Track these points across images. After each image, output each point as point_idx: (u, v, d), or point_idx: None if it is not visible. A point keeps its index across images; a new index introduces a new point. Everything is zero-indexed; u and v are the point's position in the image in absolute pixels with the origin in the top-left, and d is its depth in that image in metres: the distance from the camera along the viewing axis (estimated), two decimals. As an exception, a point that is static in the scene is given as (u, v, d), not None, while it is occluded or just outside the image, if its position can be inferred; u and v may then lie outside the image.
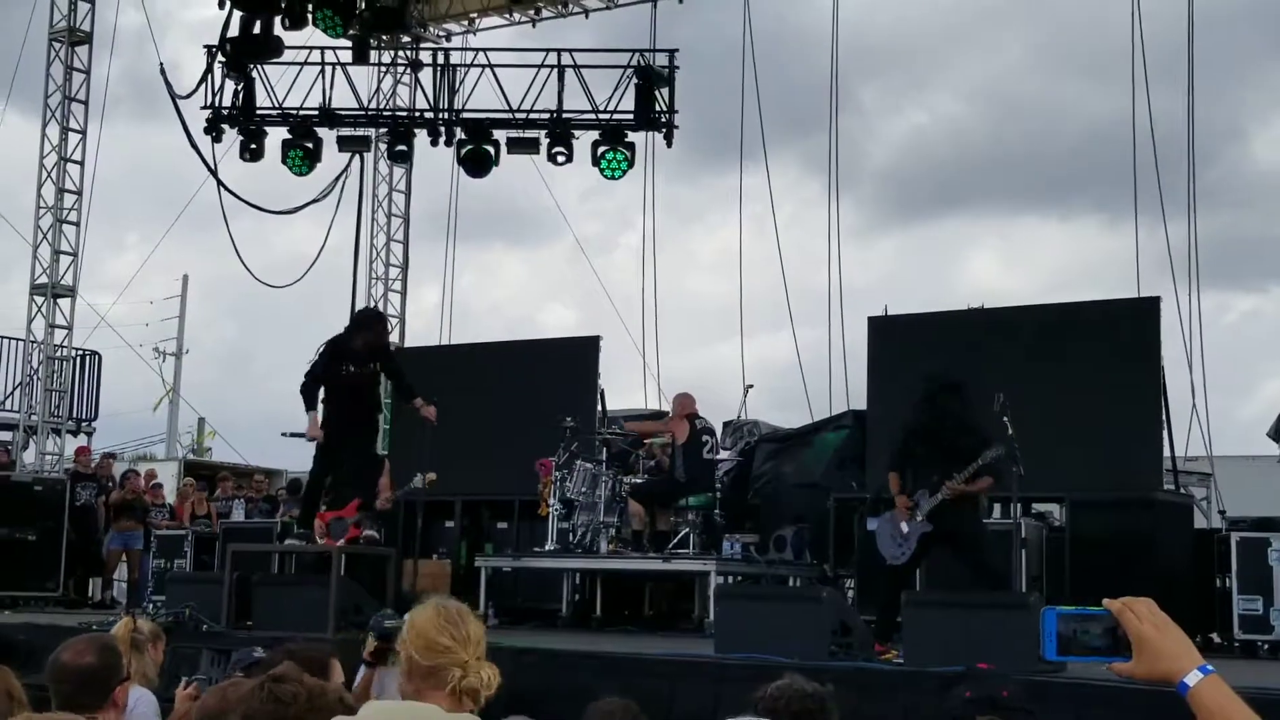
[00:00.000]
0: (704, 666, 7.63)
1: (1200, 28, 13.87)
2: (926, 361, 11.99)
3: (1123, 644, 2.18)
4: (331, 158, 16.46)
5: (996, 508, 11.25)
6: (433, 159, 17.08)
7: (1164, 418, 11.30)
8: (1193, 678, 2.13)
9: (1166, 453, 11.41)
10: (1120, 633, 2.19)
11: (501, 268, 51.35)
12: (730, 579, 11.45)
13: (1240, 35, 35.35)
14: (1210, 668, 2.15)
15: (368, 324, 11.15)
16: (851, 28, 16.46)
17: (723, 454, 13.40)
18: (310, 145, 16.00)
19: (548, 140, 15.58)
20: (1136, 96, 13.86)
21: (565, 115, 15.47)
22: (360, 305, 18.39)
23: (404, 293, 20.29)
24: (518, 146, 15.77)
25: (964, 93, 45.67)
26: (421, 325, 29.01)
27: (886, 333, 12.46)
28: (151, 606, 11.45)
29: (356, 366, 10.62)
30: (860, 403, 12.98)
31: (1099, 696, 6.11)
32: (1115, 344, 11.35)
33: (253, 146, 15.94)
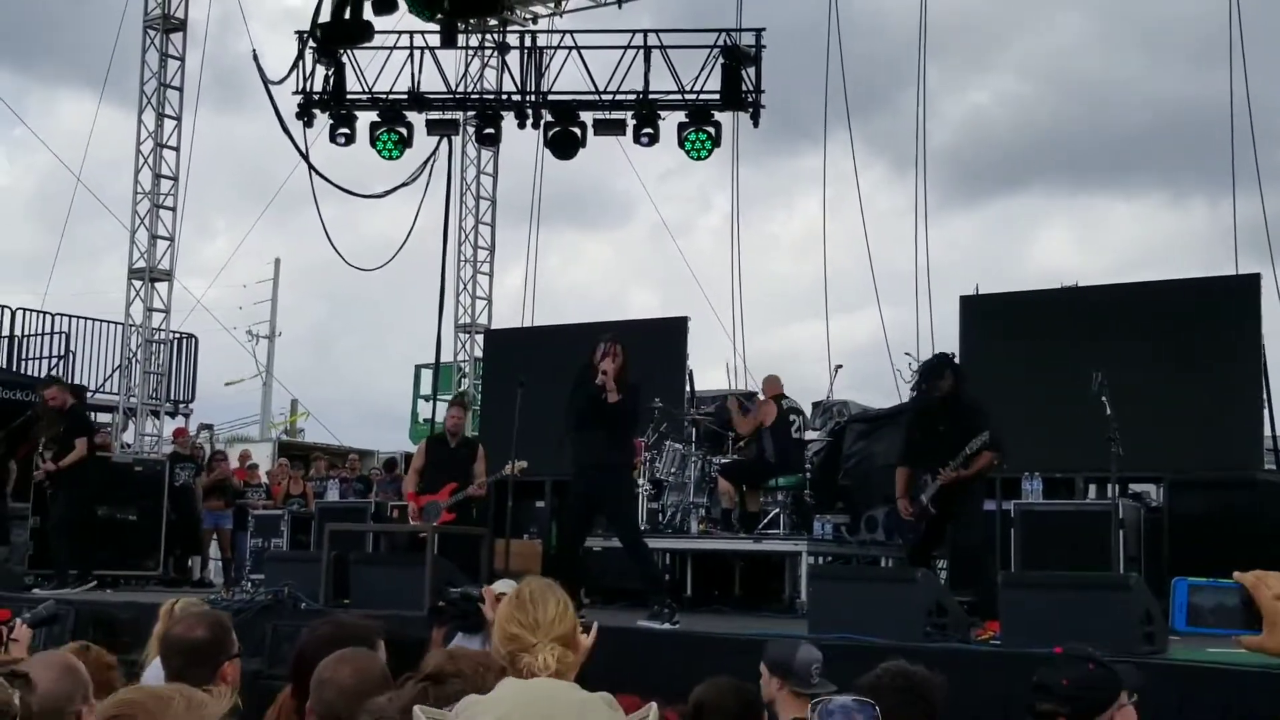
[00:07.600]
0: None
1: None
2: (1020, 341, 11.89)
3: (1254, 617, 2.15)
4: (420, 141, 16.60)
5: (1092, 488, 11.12)
6: (520, 142, 17.14)
7: (1265, 396, 11.09)
8: None
9: (1267, 432, 11.21)
10: (1252, 606, 2.15)
11: (583, 250, 51.44)
12: (821, 560, 11.41)
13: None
14: None
15: None
16: (913, 8, 16.03)
17: (812, 434, 13.34)
18: (400, 129, 16.13)
19: (634, 121, 15.57)
20: (1233, 72, 13.60)
21: (651, 96, 15.46)
22: (449, 288, 18.55)
23: (491, 275, 20.43)
24: (604, 128, 15.77)
25: (1024, 71, 44.91)
26: (507, 308, 29.15)
27: (978, 311, 12.32)
28: (250, 585, 11.62)
29: None
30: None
31: (1204, 677, 6.01)
32: (1214, 321, 11.13)
33: (343, 131, 16.12)
